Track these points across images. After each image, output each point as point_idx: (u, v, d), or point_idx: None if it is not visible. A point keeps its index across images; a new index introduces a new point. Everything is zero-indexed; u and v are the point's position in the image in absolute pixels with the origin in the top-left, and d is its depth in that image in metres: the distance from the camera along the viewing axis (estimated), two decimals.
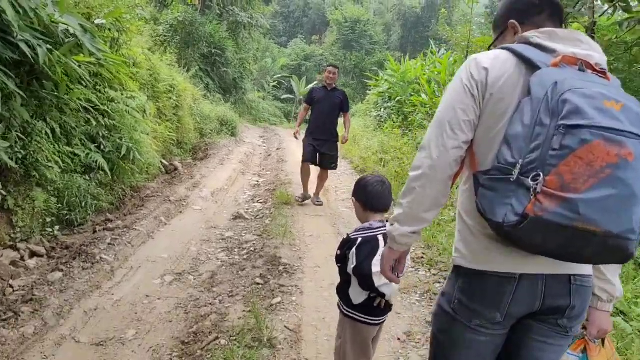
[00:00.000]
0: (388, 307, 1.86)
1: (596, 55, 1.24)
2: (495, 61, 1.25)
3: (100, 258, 3.44)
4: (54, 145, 4.36)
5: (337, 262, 1.95)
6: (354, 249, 1.80)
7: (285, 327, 2.64)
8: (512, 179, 1.11)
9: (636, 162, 1.04)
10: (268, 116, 23.28)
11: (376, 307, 1.82)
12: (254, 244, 4.14)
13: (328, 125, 5.75)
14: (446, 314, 1.33)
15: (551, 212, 1.03)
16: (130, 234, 4.00)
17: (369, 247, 1.77)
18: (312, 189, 5.99)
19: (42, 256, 3.69)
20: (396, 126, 9.08)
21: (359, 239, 1.80)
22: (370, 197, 1.89)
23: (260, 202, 5.85)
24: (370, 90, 14.25)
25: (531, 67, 1.20)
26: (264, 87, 26.93)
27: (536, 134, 1.09)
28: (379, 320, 1.86)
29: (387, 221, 1.82)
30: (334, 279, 3.37)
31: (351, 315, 1.86)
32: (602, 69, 1.20)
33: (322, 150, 5.71)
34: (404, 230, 1.33)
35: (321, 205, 5.70)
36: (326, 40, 34.53)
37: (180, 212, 5.10)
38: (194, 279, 3.44)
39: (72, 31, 4.11)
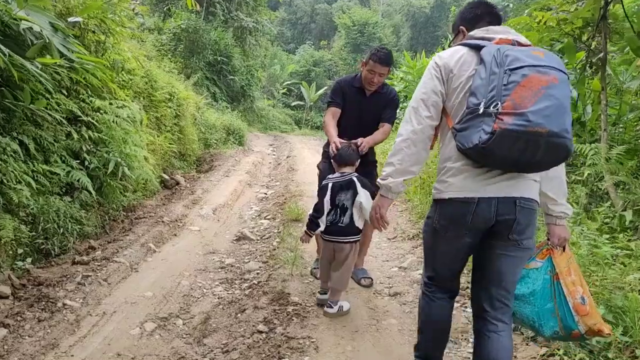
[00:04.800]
0: (340, 234, 2.73)
1: (523, 38, 1.77)
2: (452, 52, 1.79)
3: (64, 304, 2.76)
4: (27, 164, 3.75)
5: None
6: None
7: None
8: (479, 112, 1.57)
9: (560, 84, 1.52)
10: (278, 124, 22.70)
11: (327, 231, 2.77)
12: (257, 273, 3.45)
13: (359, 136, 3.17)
14: (431, 229, 1.84)
15: (511, 124, 1.48)
16: (107, 268, 3.32)
17: (323, 190, 2.76)
18: None
19: (6, 297, 3.03)
20: None
21: (321, 185, 2.87)
22: (340, 155, 2.80)
23: (268, 219, 5.16)
24: None
25: (478, 49, 1.71)
26: (273, 95, 26.35)
27: (491, 79, 1.57)
28: (330, 238, 2.77)
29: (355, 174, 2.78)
30: (358, 324, 2.65)
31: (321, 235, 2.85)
32: (528, 44, 1.74)
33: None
34: (397, 181, 1.84)
35: (371, 284, 3.35)
36: (334, 44, 33.89)
37: (175, 234, 4.42)
38: (183, 324, 2.74)
39: (38, 30, 3.51)
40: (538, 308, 1.82)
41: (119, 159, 4.75)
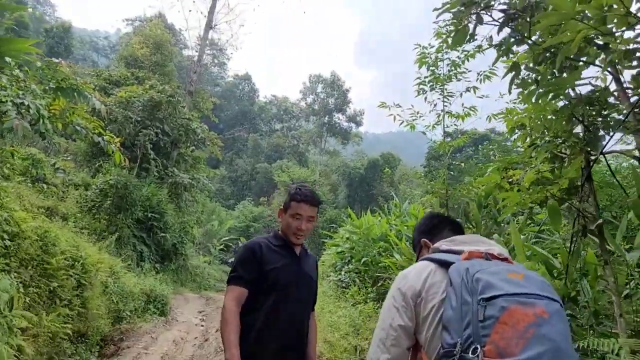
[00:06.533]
0: None
1: (496, 248, 1.53)
2: (418, 271, 1.52)
3: None
4: None
5: None
6: None
7: None
8: (456, 358, 1.21)
9: (551, 318, 1.20)
10: (214, 282, 21.03)
11: None
12: None
13: (299, 326, 2.38)
14: None
15: None
16: None
17: None
18: None
19: None
20: (365, 294, 7.34)
21: None
22: None
23: None
24: (325, 251, 12.70)
25: (447, 266, 1.44)
26: (209, 251, 25.02)
27: (464, 311, 1.26)
28: None
29: None
30: None
31: None
32: (504, 257, 1.47)
33: None
34: None
35: None
36: (274, 201, 34.20)
37: None
38: None
39: None
40: None
41: None
